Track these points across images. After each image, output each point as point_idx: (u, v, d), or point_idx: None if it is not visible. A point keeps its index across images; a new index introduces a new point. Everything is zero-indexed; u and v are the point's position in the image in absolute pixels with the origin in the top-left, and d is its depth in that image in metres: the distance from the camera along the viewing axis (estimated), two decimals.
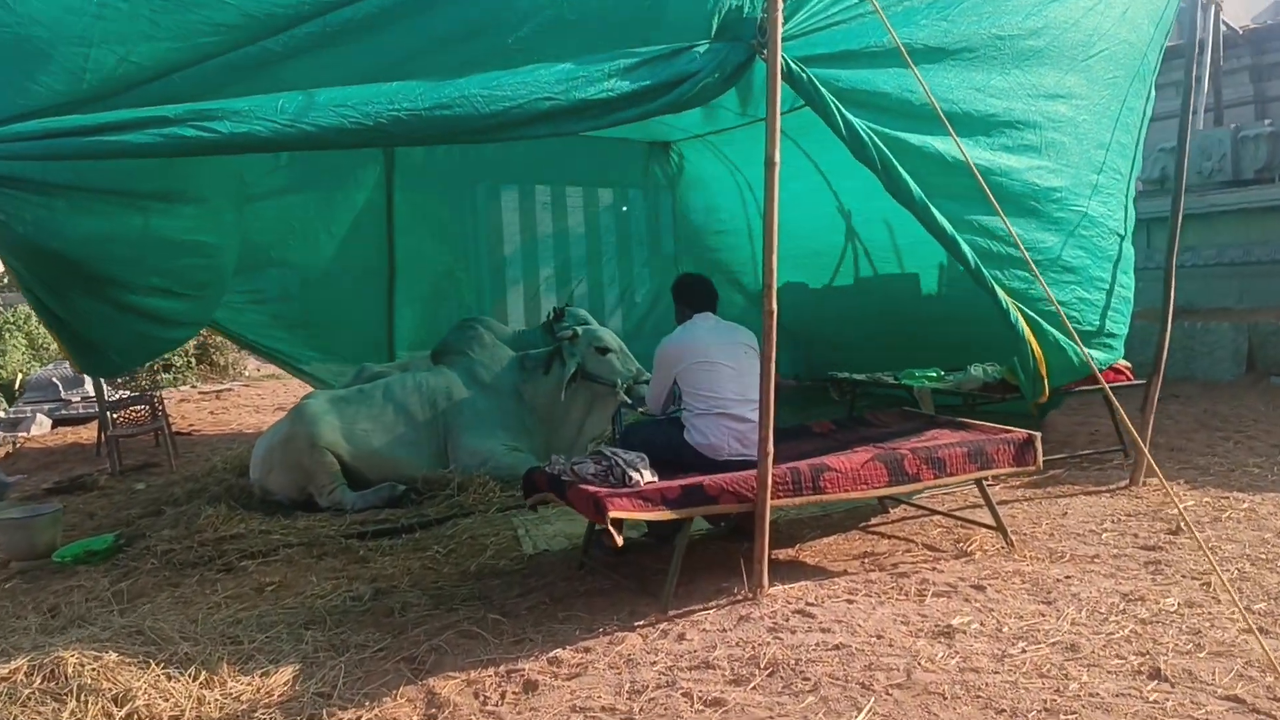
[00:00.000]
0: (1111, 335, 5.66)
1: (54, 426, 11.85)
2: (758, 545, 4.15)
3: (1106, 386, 4.59)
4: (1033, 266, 4.67)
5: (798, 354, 8.67)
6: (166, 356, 15.77)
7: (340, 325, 9.30)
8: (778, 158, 3.91)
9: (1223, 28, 10.75)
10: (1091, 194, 5.46)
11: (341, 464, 6.64)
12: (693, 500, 4.13)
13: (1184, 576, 4.11)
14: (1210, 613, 3.68)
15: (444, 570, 5.12)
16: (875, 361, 7.75)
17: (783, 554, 4.80)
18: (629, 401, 6.72)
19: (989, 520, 4.90)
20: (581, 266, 10.39)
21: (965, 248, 4.89)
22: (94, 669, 3.73)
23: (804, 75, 4.18)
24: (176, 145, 3.73)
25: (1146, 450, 5.56)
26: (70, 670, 3.70)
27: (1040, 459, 4.63)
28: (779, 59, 3.89)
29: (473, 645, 4.01)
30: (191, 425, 11.52)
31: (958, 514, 5.23)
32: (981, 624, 3.71)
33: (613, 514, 3.96)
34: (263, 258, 8.77)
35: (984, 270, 4.93)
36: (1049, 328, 5.19)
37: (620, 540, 3.99)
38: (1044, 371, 5.31)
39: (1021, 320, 5.09)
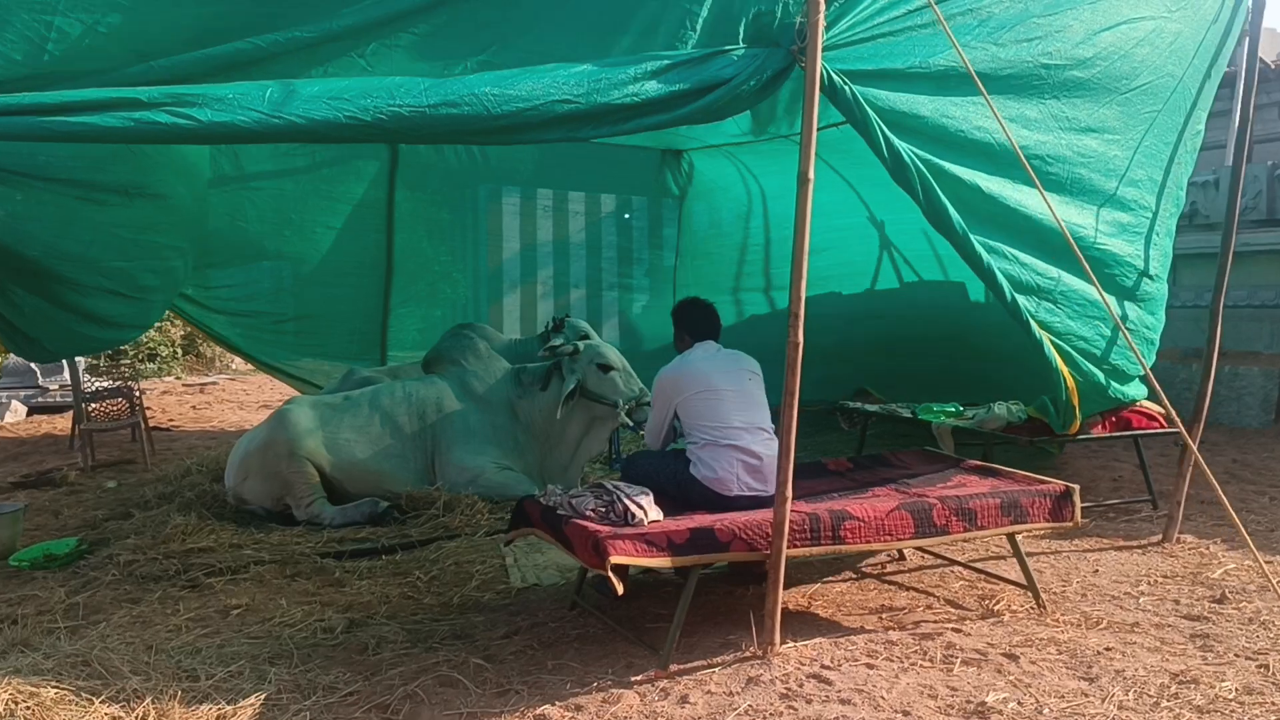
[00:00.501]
0: (1127, 376, 5.46)
1: (29, 414, 11.46)
2: (770, 598, 3.77)
3: (1186, 432, 4.21)
4: (1108, 302, 4.35)
5: (812, 372, 8.22)
6: (151, 346, 15.45)
7: (333, 322, 9.12)
8: (812, 173, 3.54)
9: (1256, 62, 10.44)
10: (1116, 231, 5.24)
11: (322, 475, 6.26)
12: (701, 546, 3.75)
13: (1237, 655, 3.73)
14: (1275, 703, 3.31)
15: (425, 600, 4.74)
16: (902, 381, 7.43)
17: (792, 601, 4.43)
18: (630, 424, 6.35)
19: (1015, 575, 4.54)
20: (581, 274, 10.09)
21: (1002, 279, 4.70)
22: (29, 707, 3.37)
23: (846, 89, 3.84)
24: (149, 132, 3.36)
25: (1182, 506, 5.27)
26: (2, 708, 3.33)
27: (1079, 515, 4.26)
28: (818, 67, 3.52)
29: (452, 695, 3.63)
30: (171, 420, 11.14)
31: (980, 566, 4.86)
32: (1019, 703, 3.33)
33: (614, 559, 3.58)
34: (258, 249, 8.61)
35: (1020, 302, 4.74)
36: (1080, 359, 5.06)
37: (622, 589, 3.61)
38: (1076, 401, 5.14)
39: (1053, 350, 4.93)
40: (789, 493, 3.68)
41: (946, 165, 4.45)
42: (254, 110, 3.47)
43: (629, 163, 9.58)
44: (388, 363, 8.94)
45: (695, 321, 4.71)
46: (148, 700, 3.50)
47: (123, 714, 3.43)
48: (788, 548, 3.74)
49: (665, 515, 4.07)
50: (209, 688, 3.65)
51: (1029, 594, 4.36)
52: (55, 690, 3.48)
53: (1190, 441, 4.35)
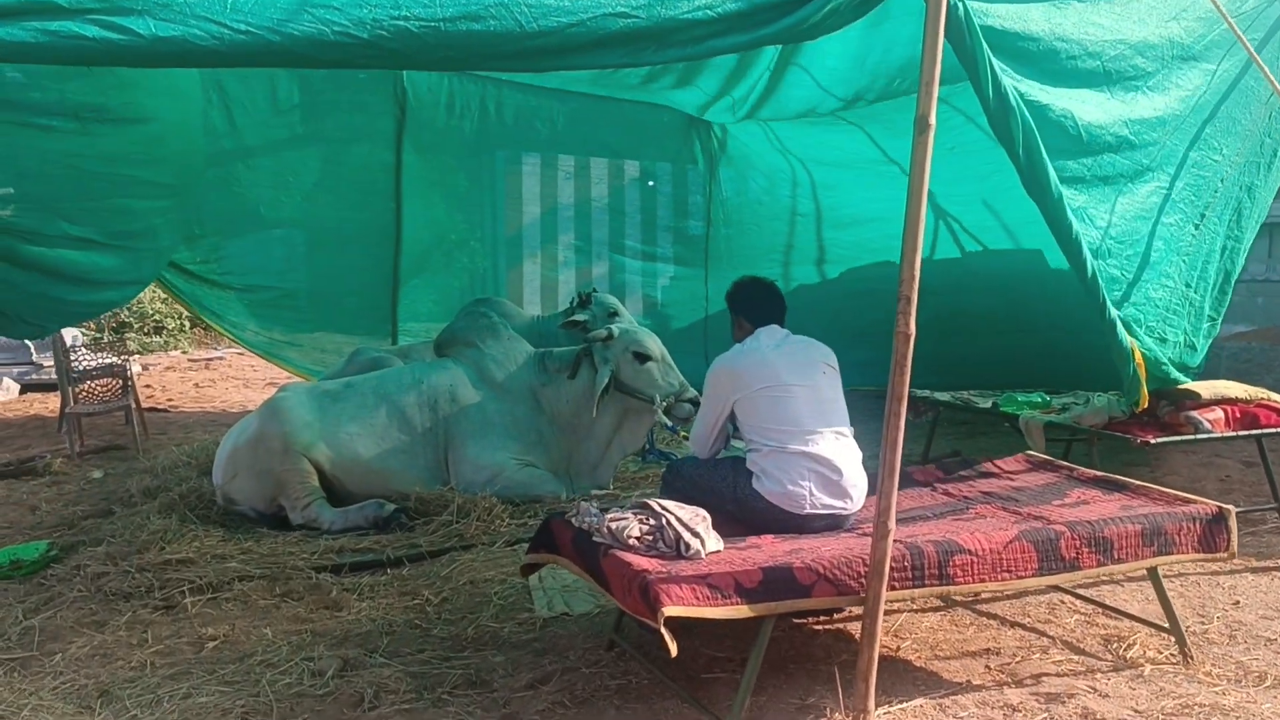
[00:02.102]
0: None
1: (22, 392, 10.79)
2: (864, 656, 3.00)
3: None
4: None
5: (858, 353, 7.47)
6: (158, 318, 14.76)
7: (341, 296, 8.41)
8: (933, 118, 2.73)
9: None
10: (1178, 173, 4.63)
11: (320, 473, 5.52)
12: (777, 590, 2.97)
13: None
14: None
15: (434, 632, 4.00)
16: (967, 363, 6.67)
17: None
18: (668, 423, 5.57)
19: (1138, 606, 3.78)
20: (603, 244, 9.36)
21: (1086, 252, 4.06)
22: None
23: (960, 7, 3.04)
24: (70, 49, 2.63)
25: None
26: None
27: (1235, 543, 3.47)
28: None
29: None
30: (170, 400, 10.45)
31: (1091, 595, 4.07)
32: None
33: (668, 610, 2.81)
34: (255, 217, 7.92)
35: (1099, 276, 4.13)
36: (1140, 331, 4.53)
37: (675, 649, 2.84)
38: (1144, 375, 4.55)
39: (1118, 320, 4.37)
40: (892, 524, 2.91)
41: (1052, 105, 3.89)
42: (214, 23, 2.73)
43: (657, 127, 8.85)
44: (400, 337, 8.28)
45: (756, 303, 3.90)
46: None
47: None
48: (887, 589, 2.98)
49: (724, 539, 3.32)
50: None
51: (1166, 635, 3.57)
52: None
53: None
